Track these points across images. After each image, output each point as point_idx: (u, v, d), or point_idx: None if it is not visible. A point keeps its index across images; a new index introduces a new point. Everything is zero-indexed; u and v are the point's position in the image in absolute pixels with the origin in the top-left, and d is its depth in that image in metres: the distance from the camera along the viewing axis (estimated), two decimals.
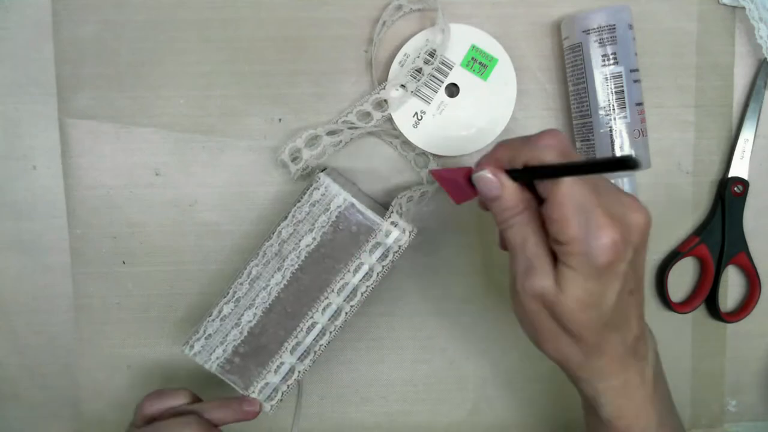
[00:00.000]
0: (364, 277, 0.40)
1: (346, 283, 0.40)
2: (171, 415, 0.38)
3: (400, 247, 0.40)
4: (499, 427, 0.48)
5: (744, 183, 0.45)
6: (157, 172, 0.44)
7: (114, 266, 0.45)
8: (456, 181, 0.34)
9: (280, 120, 0.44)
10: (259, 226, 0.45)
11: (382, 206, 0.43)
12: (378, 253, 0.40)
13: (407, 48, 0.43)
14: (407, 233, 0.40)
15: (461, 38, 0.43)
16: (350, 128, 0.43)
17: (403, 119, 0.43)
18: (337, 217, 0.39)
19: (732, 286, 0.47)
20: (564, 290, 0.30)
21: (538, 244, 0.31)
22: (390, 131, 0.44)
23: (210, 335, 0.40)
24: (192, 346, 0.41)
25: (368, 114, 0.43)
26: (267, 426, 0.46)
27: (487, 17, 0.44)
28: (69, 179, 0.44)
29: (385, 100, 0.43)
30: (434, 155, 0.44)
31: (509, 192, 0.31)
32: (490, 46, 0.43)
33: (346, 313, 0.40)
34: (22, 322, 0.46)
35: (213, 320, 0.40)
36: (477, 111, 0.43)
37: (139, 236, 0.45)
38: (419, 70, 0.42)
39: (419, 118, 0.43)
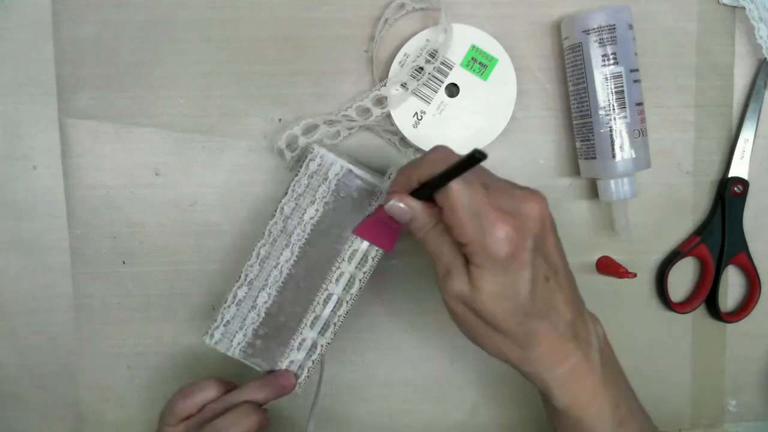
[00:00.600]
0: None
1: (356, 250, 0.39)
2: (216, 409, 0.38)
3: None
4: (499, 427, 0.48)
5: (744, 183, 0.45)
6: (157, 172, 0.44)
7: (114, 266, 0.45)
8: (381, 220, 0.36)
9: (280, 120, 0.44)
10: (259, 226, 0.45)
11: (379, 174, 0.43)
12: None
13: (407, 48, 0.43)
14: None
15: (461, 38, 0.43)
16: (349, 120, 0.43)
17: (403, 119, 0.43)
18: (336, 185, 0.39)
19: (732, 286, 0.47)
20: (478, 288, 0.32)
21: (451, 251, 0.33)
22: (388, 127, 0.44)
23: (228, 322, 0.40)
24: (212, 335, 0.40)
25: (368, 110, 0.43)
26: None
27: (487, 17, 0.44)
28: (69, 179, 0.44)
29: (385, 97, 0.43)
30: None
31: (418, 211, 0.33)
32: (490, 46, 0.43)
33: (360, 281, 0.40)
34: (22, 322, 0.46)
35: (229, 306, 0.40)
36: (477, 111, 0.43)
37: (139, 236, 0.45)
38: (420, 70, 0.42)
39: (419, 118, 0.43)
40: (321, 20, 0.44)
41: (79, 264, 0.45)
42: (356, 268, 0.39)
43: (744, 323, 0.47)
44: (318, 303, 0.40)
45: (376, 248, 0.39)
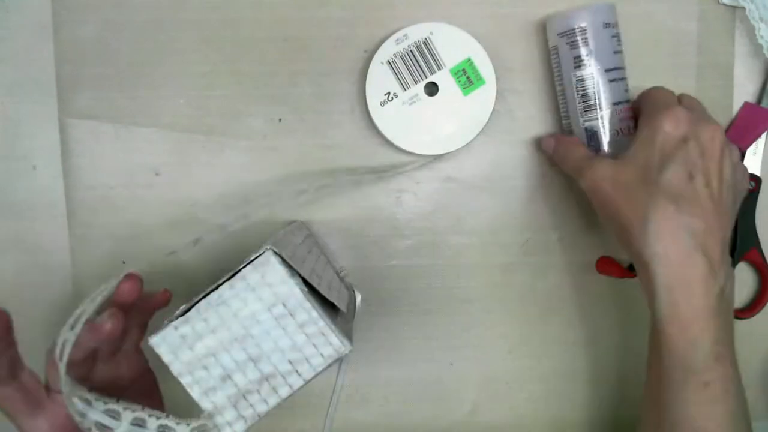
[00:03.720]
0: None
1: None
2: None
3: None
4: (499, 427, 0.48)
5: (757, 179, 0.45)
6: (157, 172, 0.44)
7: (114, 266, 0.45)
8: None
9: (280, 120, 0.44)
10: (259, 226, 0.45)
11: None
12: None
13: (409, 30, 0.42)
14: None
15: (462, 45, 0.42)
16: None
17: (374, 93, 0.43)
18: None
19: (742, 282, 0.47)
20: (622, 160, 0.37)
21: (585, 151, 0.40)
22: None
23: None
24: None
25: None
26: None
27: (481, 18, 0.43)
28: (69, 179, 0.44)
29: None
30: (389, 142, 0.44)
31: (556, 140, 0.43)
32: (484, 66, 0.42)
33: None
34: (22, 322, 0.46)
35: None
36: (444, 120, 0.43)
37: (139, 236, 0.45)
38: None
39: (390, 98, 0.43)
40: (321, 20, 0.44)
41: (79, 264, 0.45)
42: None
43: (744, 323, 0.47)
44: None
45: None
